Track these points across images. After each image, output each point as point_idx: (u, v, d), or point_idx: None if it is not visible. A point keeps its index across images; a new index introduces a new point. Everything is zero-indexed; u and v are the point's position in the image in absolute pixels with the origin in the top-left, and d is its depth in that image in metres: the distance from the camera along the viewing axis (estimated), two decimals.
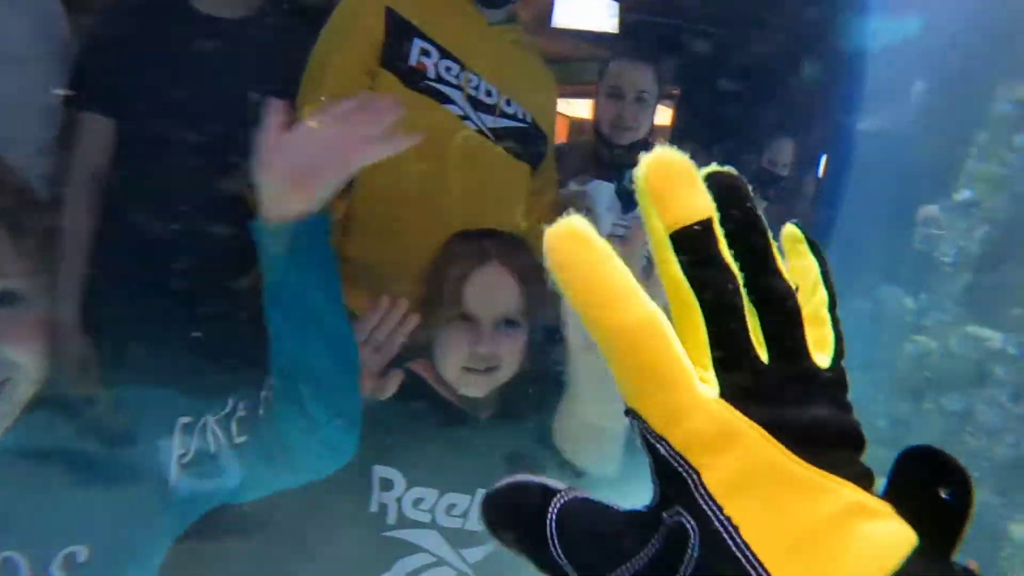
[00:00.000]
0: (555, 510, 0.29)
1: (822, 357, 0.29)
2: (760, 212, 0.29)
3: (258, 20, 1.42)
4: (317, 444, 0.81)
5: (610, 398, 0.73)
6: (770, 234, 0.29)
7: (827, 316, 0.31)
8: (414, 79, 1.29)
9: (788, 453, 0.26)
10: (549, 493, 0.29)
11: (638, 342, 0.27)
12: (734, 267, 0.28)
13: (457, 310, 1.07)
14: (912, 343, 4.45)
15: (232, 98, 1.35)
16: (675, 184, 0.28)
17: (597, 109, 1.85)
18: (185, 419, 0.78)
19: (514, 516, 0.30)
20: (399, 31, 1.29)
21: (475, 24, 1.38)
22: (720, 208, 0.28)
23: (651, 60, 1.86)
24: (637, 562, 0.27)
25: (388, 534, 1.07)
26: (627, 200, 1.76)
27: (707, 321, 0.28)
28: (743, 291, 0.28)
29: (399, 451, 1.07)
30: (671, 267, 0.28)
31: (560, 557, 0.28)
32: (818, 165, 3.47)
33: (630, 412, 0.28)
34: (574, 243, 0.27)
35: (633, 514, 0.28)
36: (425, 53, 1.31)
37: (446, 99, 1.32)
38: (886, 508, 0.27)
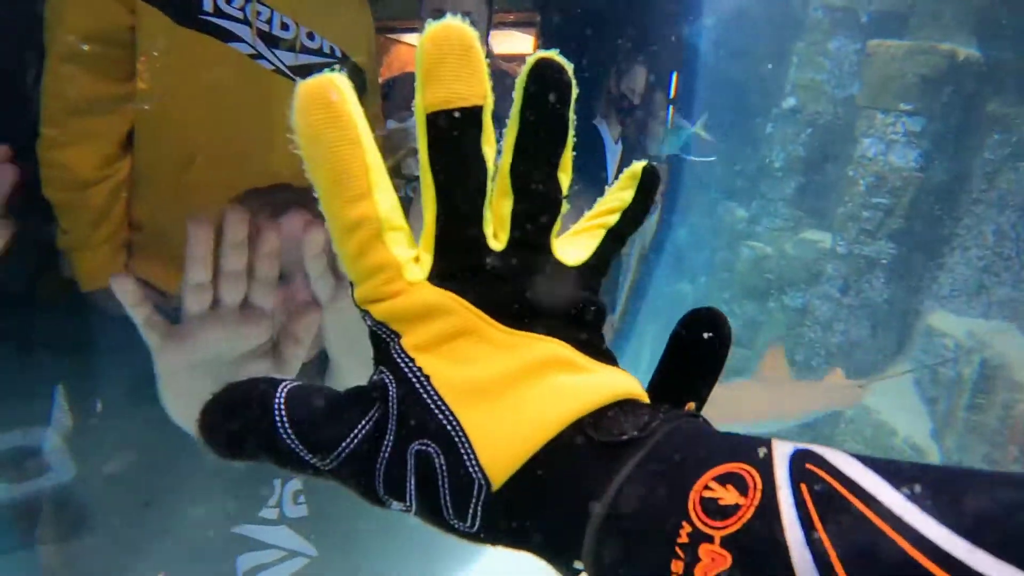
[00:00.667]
0: (282, 394, 0.30)
1: (573, 254, 0.32)
2: (565, 113, 0.30)
3: None
4: None
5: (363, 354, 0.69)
6: (568, 136, 0.31)
7: (601, 234, 0.33)
8: (187, 15, 1.12)
9: (487, 319, 0.29)
10: (272, 383, 0.31)
11: (354, 235, 0.30)
12: (487, 158, 0.30)
13: None
14: (749, 248, 4.76)
15: None
16: (446, 64, 0.29)
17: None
18: None
19: (240, 410, 0.30)
20: None
21: None
22: (529, 96, 0.30)
23: None
24: (359, 429, 0.29)
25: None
26: None
27: (438, 208, 0.30)
28: (506, 179, 0.30)
29: None
30: (422, 149, 0.30)
31: (289, 438, 0.29)
32: (670, 85, 3.56)
33: (354, 295, 0.31)
34: (326, 115, 0.28)
35: (344, 396, 0.31)
36: None
37: (231, 36, 1.16)
38: (595, 365, 0.29)
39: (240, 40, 1.17)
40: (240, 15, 1.17)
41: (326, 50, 1.30)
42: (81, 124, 1.09)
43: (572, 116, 0.30)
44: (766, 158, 4.81)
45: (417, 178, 1.42)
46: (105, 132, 1.11)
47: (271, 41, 1.21)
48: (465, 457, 0.27)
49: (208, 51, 1.13)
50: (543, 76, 0.29)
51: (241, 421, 0.30)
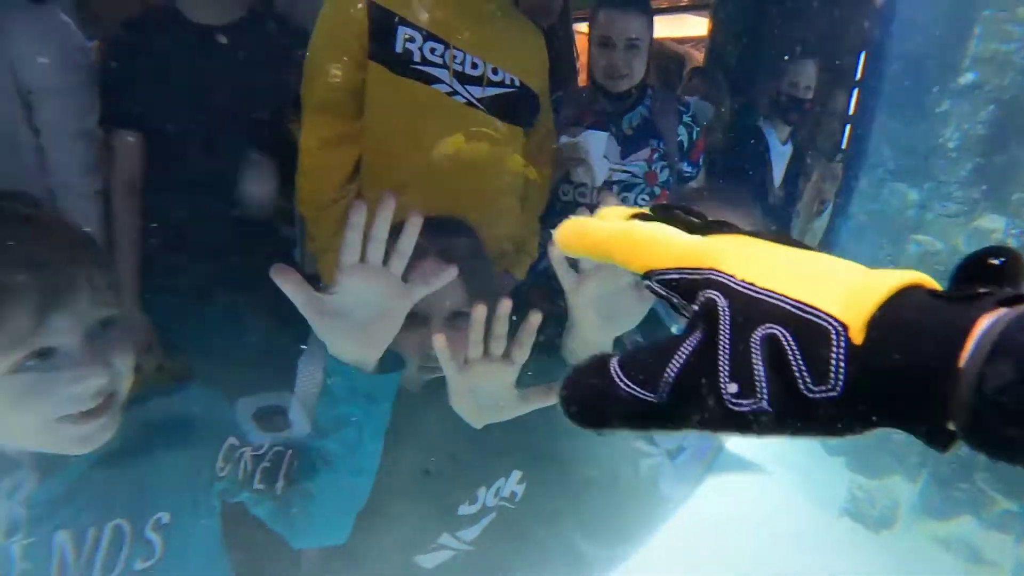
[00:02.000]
0: (615, 358, 0.34)
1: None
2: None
3: (245, 25, 1.54)
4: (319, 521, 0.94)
5: (600, 323, 0.93)
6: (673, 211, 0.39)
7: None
8: (401, 66, 1.40)
9: (779, 236, 0.35)
10: (605, 358, 0.35)
11: (627, 235, 0.37)
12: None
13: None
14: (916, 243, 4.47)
15: (229, 99, 1.50)
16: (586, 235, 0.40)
17: (590, 57, 1.87)
18: (233, 440, 0.91)
19: (584, 379, 0.34)
20: (383, 22, 1.39)
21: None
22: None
23: (639, 5, 1.84)
24: (686, 348, 0.32)
25: None
26: (625, 145, 1.84)
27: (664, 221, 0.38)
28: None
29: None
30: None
31: (626, 385, 0.32)
32: (855, 68, 3.11)
33: (647, 277, 0.36)
34: (577, 239, 0.39)
35: (673, 334, 0.34)
36: (410, 39, 1.41)
37: (434, 79, 1.43)
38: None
39: (440, 81, 1.44)
40: (440, 61, 1.44)
41: (507, 82, 1.54)
42: (328, 156, 1.42)
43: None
44: (940, 137, 4.50)
45: (584, 184, 1.67)
46: (343, 162, 1.43)
47: (464, 79, 1.47)
48: (814, 316, 0.28)
49: (416, 93, 1.41)
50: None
51: (588, 390, 0.34)
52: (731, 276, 0.32)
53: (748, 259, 0.33)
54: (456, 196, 1.41)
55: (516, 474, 1.16)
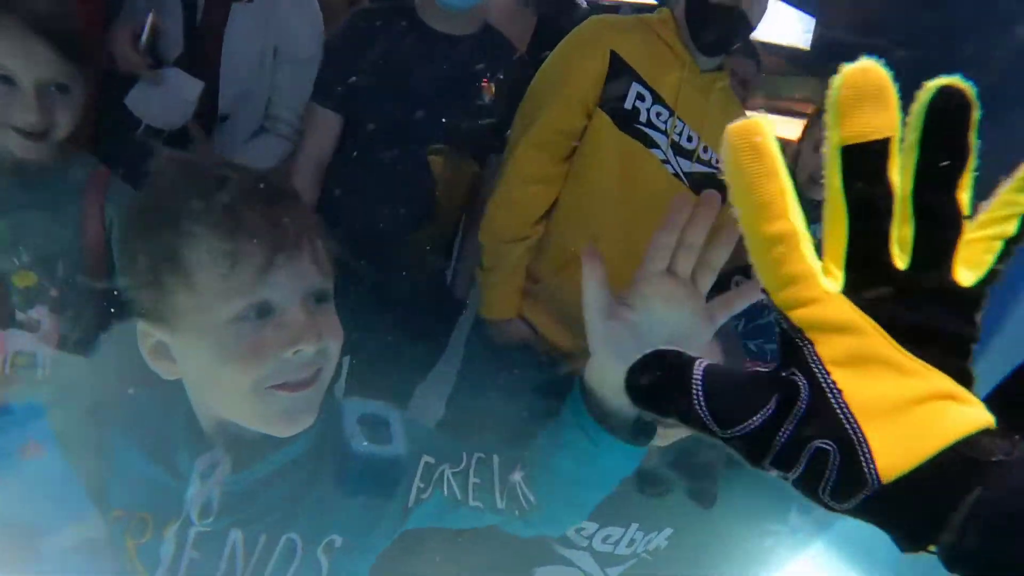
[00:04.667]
0: (700, 368, 0.34)
1: (968, 275, 0.33)
2: (967, 137, 0.32)
3: (478, 39, 1.53)
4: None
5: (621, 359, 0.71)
6: (969, 161, 0.32)
7: (999, 247, 0.34)
8: (627, 122, 1.36)
9: (894, 344, 0.32)
10: (690, 357, 0.35)
11: (774, 248, 0.33)
12: (894, 184, 0.32)
13: None
14: None
15: (436, 107, 1.48)
16: (861, 99, 0.31)
17: (800, 158, 1.79)
18: (429, 459, 0.83)
19: (660, 376, 0.35)
20: (620, 74, 1.36)
21: (689, 71, 1.43)
22: (930, 122, 0.31)
23: None
24: (762, 414, 0.33)
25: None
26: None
27: (849, 230, 0.33)
28: (907, 204, 0.32)
29: None
30: (833, 177, 0.33)
31: (701, 408, 0.34)
32: None
33: (765, 292, 0.34)
34: (750, 152, 0.33)
35: (759, 374, 0.34)
36: (640, 98, 1.38)
37: (652, 143, 1.39)
38: (971, 399, 0.32)
39: (657, 147, 1.40)
40: (663, 127, 1.40)
41: (714, 162, 1.49)
42: (530, 192, 1.39)
43: (975, 139, 0.32)
44: None
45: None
46: (542, 201, 1.39)
47: (679, 151, 1.42)
48: (863, 461, 0.31)
49: (634, 152, 1.37)
50: (945, 102, 0.31)
51: (662, 382, 0.35)
52: (825, 369, 0.32)
53: (852, 353, 0.32)
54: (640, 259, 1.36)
55: (668, 531, 1.14)
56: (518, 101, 1.46)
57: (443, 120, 1.49)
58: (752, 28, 1.41)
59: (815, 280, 0.33)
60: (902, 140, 0.32)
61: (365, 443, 0.80)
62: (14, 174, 1.07)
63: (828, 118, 0.32)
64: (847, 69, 0.31)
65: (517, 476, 0.83)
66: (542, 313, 1.43)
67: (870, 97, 0.31)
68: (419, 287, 1.56)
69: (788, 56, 3.28)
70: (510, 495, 0.83)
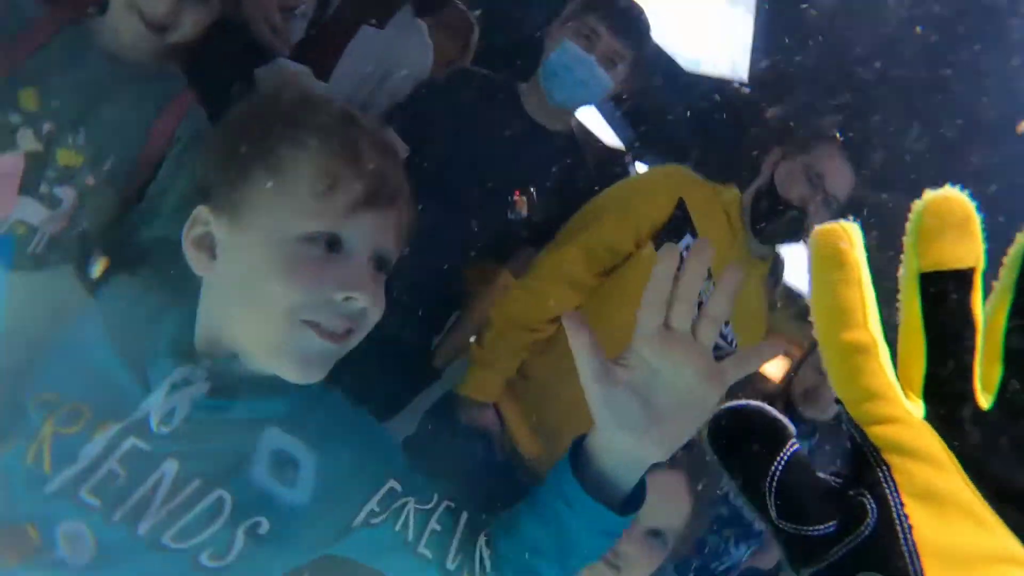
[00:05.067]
0: (791, 450, 0.33)
1: None
2: None
3: (566, 137, 1.60)
4: None
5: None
6: None
7: None
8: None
9: (975, 491, 0.30)
10: (778, 439, 0.33)
11: (853, 357, 0.32)
12: (977, 317, 0.31)
13: None
14: None
15: (512, 187, 1.52)
16: (944, 227, 0.30)
17: (799, 370, 1.80)
18: (395, 485, 0.78)
19: (751, 436, 0.33)
20: (681, 222, 1.42)
21: (739, 250, 1.49)
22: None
23: None
24: (823, 528, 0.31)
25: None
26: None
27: (928, 359, 0.31)
28: (998, 345, 0.31)
29: None
30: (912, 304, 0.31)
31: (771, 490, 0.32)
32: None
33: (839, 403, 0.33)
34: (834, 257, 0.32)
35: (833, 487, 0.33)
36: (687, 250, 1.43)
37: None
38: None
39: None
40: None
41: (729, 339, 1.52)
42: (555, 288, 1.41)
43: None
44: None
45: None
46: (564, 302, 1.41)
47: None
48: None
49: None
50: None
51: (750, 443, 0.33)
52: (900, 500, 0.30)
53: (931, 488, 0.30)
54: None
55: None
56: (571, 208, 1.51)
57: (504, 199, 1.52)
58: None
59: (897, 399, 0.32)
60: (986, 273, 0.31)
61: (267, 476, 0.74)
62: (112, 60, 1.09)
63: (907, 243, 0.31)
64: (930, 196, 0.31)
65: (481, 540, 0.78)
66: (517, 411, 1.41)
67: (954, 226, 0.31)
68: (403, 348, 1.53)
69: None
70: (465, 556, 0.77)
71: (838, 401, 0.33)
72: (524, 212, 1.51)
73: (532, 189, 1.54)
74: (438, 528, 0.77)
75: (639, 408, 0.62)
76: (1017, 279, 0.31)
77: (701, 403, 0.62)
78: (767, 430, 0.34)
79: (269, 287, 0.68)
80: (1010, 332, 0.31)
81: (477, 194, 1.50)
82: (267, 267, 0.68)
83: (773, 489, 0.32)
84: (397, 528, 0.77)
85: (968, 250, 0.31)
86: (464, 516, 0.79)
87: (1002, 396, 0.31)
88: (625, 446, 0.65)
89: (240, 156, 0.71)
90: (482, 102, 1.56)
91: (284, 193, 0.69)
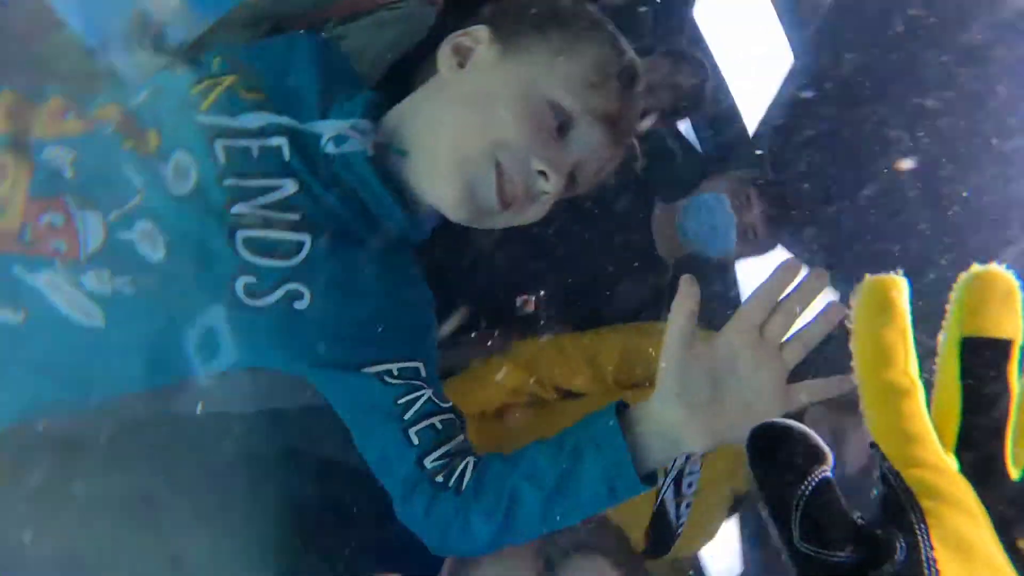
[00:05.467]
0: (823, 472, 0.31)
1: None
2: None
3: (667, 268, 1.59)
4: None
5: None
6: None
7: None
8: None
9: (1001, 548, 0.30)
10: (814, 461, 0.32)
11: (893, 399, 0.32)
12: (1014, 388, 0.32)
13: None
14: None
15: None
16: (988, 298, 0.32)
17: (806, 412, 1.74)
18: (421, 366, 0.80)
19: (779, 462, 0.32)
20: None
21: None
22: None
23: None
24: (847, 555, 0.30)
25: None
26: None
27: (963, 415, 0.32)
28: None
29: None
30: (950, 367, 0.33)
31: (798, 507, 0.31)
32: None
33: (875, 446, 0.33)
34: (883, 302, 0.33)
35: (857, 521, 0.31)
36: None
37: None
38: None
39: None
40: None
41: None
42: (582, 366, 1.37)
43: None
44: None
45: None
46: (584, 383, 1.37)
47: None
48: None
49: None
50: None
51: (781, 458, 0.33)
52: (931, 544, 0.30)
53: (963, 538, 0.31)
54: None
55: None
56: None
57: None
58: None
59: (935, 444, 0.32)
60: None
61: (343, 268, 0.79)
62: None
63: (951, 311, 0.33)
64: (977, 269, 0.33)
65: (471, 459, 0.78)
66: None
67: (998, 298, 0.32)
68: None
69: None
70: (449, 463, 0.77)
71: (873, 445, 0.33)
72: (531, 309, 1.49)
73: (541, 292, 1.51)
74: (438, 427, 0.78)
75: (706, 387, 0.66)
76: None
77: (761, 412, 0.64)
78: (806, 449, 0.33)
79: (497, 114, 0.74)
80: None
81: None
82: (507, 100, 0.75)
83: (800, 507, 0.32)
84: (401, 401, 0.77)
85: (1010, 322, 0.32)
86: (464, 438, 0.80)
87: None
88: (672, 419, 0.68)
89: (547, 10, 0.79)
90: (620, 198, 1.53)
91: (561, 61, 0.76)
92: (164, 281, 0.74)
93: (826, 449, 0.33)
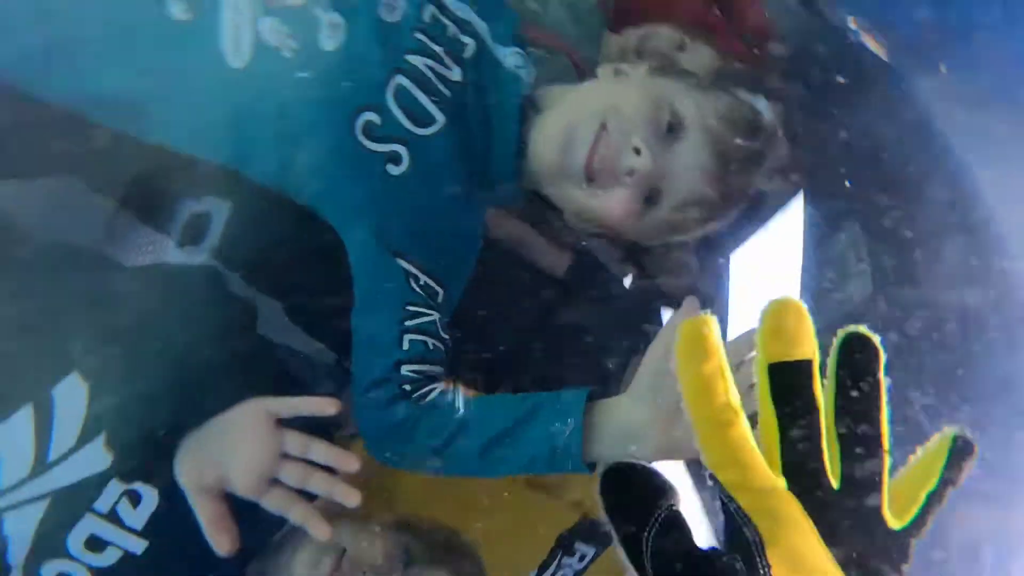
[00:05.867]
0: (659, 519, 0.34)
1: (895, 520, 0.35)
2: (881, 379, 0.35)
3: None
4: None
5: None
6: (881, 399, 0.35)
7: (923, 499, 0.36)
8: None
9: (832, 559, 0.33)
10: (659, 498, 0.35)
11: (719, 431, 0.34)
12: (820, 403, 0.35)
13: None
14: None
15: None
16: (784, 325, 0.35)
17: None
18: (441, 290, 0.84)
19: (627, 501, 0.35)
20: None
21: None
22: (846, 363, 0.35)
23: None
24: None
25: None
26: None
27: (781, 440, 0.35)
28: (832, 431, 0.35)
29: None
30: (764, 391, 0.35)
31: (647, 551, 0.33)
32: None
33: (712, 476, 0.34)
34: (700, 339, 0.35)
35: (704, 551, 0.34)
36: None
37: None
38: None
39: None
40: None
41: None
42: None
43: (885, 378, 0.35)
44: None
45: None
46: None
47: None
48: None
49: None
50: (857, 347, 0.35)
51: (628, 500, 0.35)
52: (766, 559, 0.32)
53: (797, 555, 0.32)
54: None
55: None
56: None
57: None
58: None
59: (763, 467, 0.34)
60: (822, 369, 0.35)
61: (423, 178, 0.83)
62: None
63: (757, 341, 0.36)
64: (773, 301, 0.36)
65: (439, 385, 0.82)
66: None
67: (792, 324, 0.35)
68: None
69: None
70: (424, 370, 0.81)
71: (711, 476, 0.35)
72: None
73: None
74: (429, 347, 0.81)
75: (676, 396, 0.65)
76: (837, 368, 0.35)
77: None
78: (651, 489, 0.36)
79: (624, 91, 0.85)
80: (836, 416, 0.35)
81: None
82: (639, 87, 0.85)
83: (649, 545, 0.34)
84: (410, 308, 0.82)
85: (806, 343, 0.35)
86: (443, 371, 0.83)
87: (843, 473, 0.35)
88: (637, 417, 0.72)
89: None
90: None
91: (698, 91, 0.86)
92: (317, 71, 0.78)
93: (671, 485, 0.36)
